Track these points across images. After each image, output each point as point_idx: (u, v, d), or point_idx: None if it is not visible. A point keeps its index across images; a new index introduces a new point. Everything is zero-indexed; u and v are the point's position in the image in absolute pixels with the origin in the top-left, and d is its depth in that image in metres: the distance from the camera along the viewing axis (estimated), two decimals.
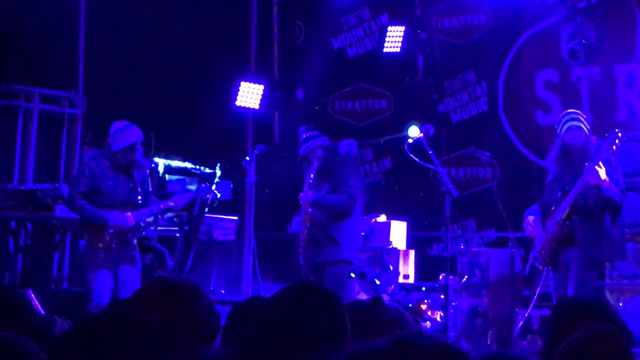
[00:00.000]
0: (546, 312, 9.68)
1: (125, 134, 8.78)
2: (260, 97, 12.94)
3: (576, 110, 8.75)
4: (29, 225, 10.90)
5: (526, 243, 9.11)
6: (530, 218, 8.57)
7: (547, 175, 8.71)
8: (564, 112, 8.72)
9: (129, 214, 8.75)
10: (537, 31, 12.69)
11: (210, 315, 3.47)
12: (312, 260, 9.02)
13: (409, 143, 9.53)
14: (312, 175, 8.94)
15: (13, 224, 10.99)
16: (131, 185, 8.84)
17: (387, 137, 12.92)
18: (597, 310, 3.42)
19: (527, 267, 8.87)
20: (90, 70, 12.30)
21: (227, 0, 13.95)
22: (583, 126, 8.40)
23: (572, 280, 8.29)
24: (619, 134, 8.12)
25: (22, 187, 11.13)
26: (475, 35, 13.06)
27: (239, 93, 12.95)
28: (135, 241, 8.98)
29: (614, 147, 8.10)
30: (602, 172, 8.05)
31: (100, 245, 8.71)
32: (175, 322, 3.11)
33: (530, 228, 8.58)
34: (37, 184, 11.35)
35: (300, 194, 9.01)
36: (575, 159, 8.34)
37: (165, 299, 3.33)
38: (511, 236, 9.87)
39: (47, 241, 10.90)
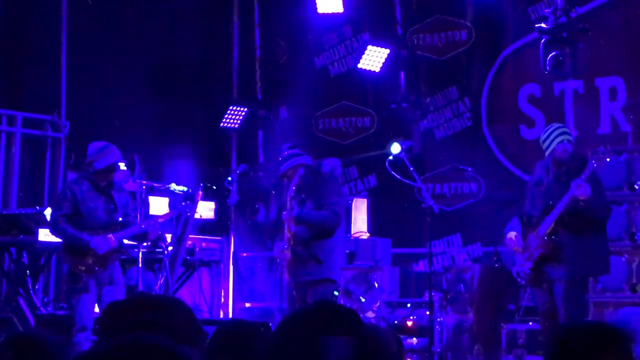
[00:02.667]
0: (533, 326, 9.66)
1: (106, 153, 8.79)
2: (242, 117, 12.99)
3: (563, 125, 8.76)
4: (13, 250, 10.85)
5: (511, 257, 9.07)
6: (512, 234, 8.52)
7: (527, 188, 8.71)
8: (551, 125, 8.62)
9: (111, 235, 8.73)
10: (519, 46, 12.71)
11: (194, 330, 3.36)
12: (296, 278, 8.89)
13: (390, 160, 9.54)
14: (292, 192, 8.75)
15: None
16: (112, 206, 8.84)
17: (370, 154, 12.91)
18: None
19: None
20: (73, 93, 12.28)
21: (209, 19, 13.97)
22: (573, 140, 8.42)
23: (560, 297, 8.23)
24: (604, 149, 8.12)
25: (5, 212, 11.10)
26: (456, 52, 13.07)
27: (225, 116, 12.98)
28: (117, 263, 8.97)
29: (600, 161, 8.08)
30: (588, 188, 8.04)
31: (83, 268, 8.69)
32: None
33: (512, 244, 8.54)
34: (21, 208, 11.32)
35: (283, 212, 8.79)
36: (560, 174, 8.33)
37: (145, 311, 3.24)
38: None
39: (31, 265, 10.84)
